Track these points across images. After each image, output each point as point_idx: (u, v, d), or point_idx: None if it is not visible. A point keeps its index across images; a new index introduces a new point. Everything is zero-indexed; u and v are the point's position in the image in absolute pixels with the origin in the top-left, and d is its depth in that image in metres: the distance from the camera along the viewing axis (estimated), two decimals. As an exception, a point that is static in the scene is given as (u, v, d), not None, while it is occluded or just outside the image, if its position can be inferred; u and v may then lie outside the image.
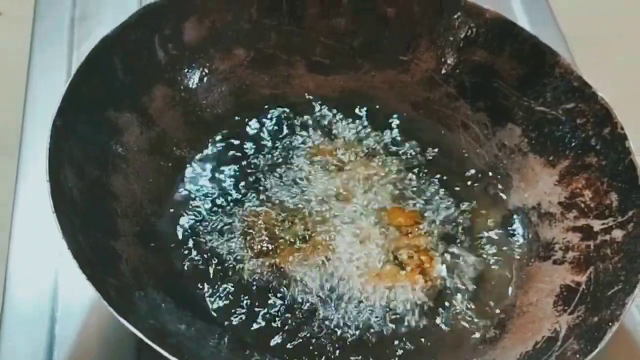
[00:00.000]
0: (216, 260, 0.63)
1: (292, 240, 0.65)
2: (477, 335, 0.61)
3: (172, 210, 0.65)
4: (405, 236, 0.65)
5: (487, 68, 0.71)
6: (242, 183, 0.68)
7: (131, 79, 0.66)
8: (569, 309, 0.59)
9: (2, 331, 0.61)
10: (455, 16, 0.72)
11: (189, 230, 0.65)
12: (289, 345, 0.59)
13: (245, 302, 0.61)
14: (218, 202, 0.66)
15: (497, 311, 0.62)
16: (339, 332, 0.60)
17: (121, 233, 0.61)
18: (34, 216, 0.66)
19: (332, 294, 0.62)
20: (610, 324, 0.54)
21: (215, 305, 0.61)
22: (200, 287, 0.62)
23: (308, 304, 0.61)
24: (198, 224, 0.65)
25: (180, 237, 0.64)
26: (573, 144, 0.66)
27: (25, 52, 0.77)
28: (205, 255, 0.63)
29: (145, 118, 0.67)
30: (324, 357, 0.59)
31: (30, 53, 0.77)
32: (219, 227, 0.65)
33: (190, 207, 0.66)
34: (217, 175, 0.68)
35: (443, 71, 0.73)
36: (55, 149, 0.57)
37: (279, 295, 0.62)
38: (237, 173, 0.69)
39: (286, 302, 0.61)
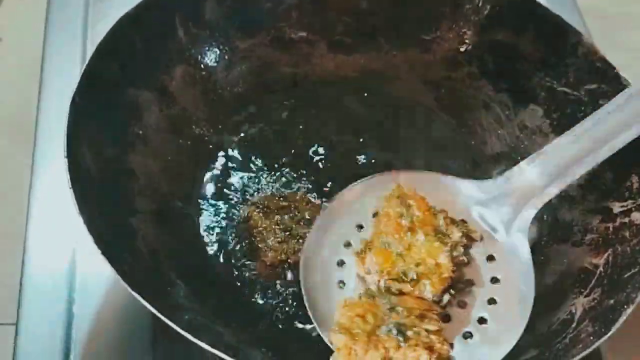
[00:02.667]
0: (233, 240, 0.64)
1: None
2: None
3: (190, 188, 0.66)
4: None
5: (509, 48, 0.70)
6: (260, 166, 0.68)
7: (151, 57, 0.67)
8: (585, 291, 0.58)
9: (21, 311, 0.62)
10: (479, -6, 0.71)
11: (207, 210, 0.65)
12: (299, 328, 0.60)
13: (260, 281, 0.62)
14: (237, 184, 0.67)
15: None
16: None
17: (138, 210, 0.61)
18: (51, 197, 0.67)
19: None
20: (625, 306, 0.54)
21: (231, 283, 0.61)
22: (216, 265, 0.62)
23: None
24: (216, 203, 0.65)
25: (197, 215, 0.65)
26: (595, 125, 0.65)
27: (40, 33, 0.78)
28: (222, 235, 0.64)
29: (165, 96, 0.67)
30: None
31: (45, 34, 0.78)
32: (237, 208, 0.65)
33: (209, 186, 0.66)
34: (238, 157, 0.69)
35: (465, 50, 0.72)
36: (74, 126, 0.58)
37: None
38: (256, 156, 0.69)
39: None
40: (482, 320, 0.57)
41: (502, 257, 0.59)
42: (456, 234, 0.58)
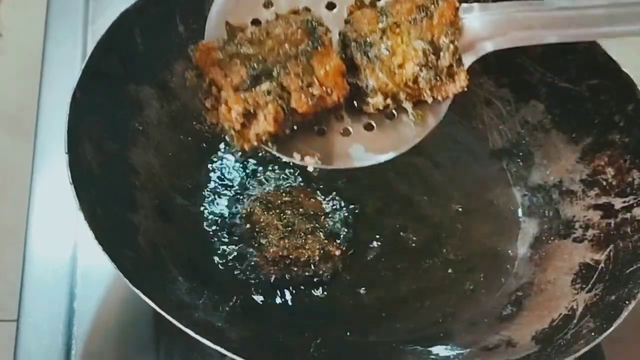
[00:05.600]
0: (235, 236, 0.64)
1: None
2: (493, 312, 0.61)
3: (191, 184, 0.66)
4: None
5: (510, 43, 0.70)
6: (262, 160, 0.68)
7: (152, 53, 0.66)
8: (587, 287, 0.59)
9: (22, 307, 0.62)
10: (478, -10, 0.71)
11: (208, 205, 0.65)
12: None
13: (261, 277, 0.62)
14: (238, 179, 0.67)
15: (514, 289, 0.62)
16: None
17: (139, 206, 0.61)
18: (52, 192, 0.67)
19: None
20: (627, 302, 0.54)
21: (232, 279, 0.61)
22: (218, 260, 0.62)
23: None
24: (218, 199, 0.66)
25: (198, 211, 0.65)
26: (596, 121, 0.65)
27: (41, 29, 0.78)
28: (224, 230, 0.64)
29: (165, 92, 0.67)
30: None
31: (46, 29, 0.78)
32: (239, 203, 0.65)
33: (209, 182, 0.66)
34: (239, 152, 0.68)
35: (466, 46, 0.72)
36: (74, 121, 0.58)
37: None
38: (258, 151, 0.68)
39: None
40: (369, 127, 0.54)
41: None
42: (446, 57, 0.53)
